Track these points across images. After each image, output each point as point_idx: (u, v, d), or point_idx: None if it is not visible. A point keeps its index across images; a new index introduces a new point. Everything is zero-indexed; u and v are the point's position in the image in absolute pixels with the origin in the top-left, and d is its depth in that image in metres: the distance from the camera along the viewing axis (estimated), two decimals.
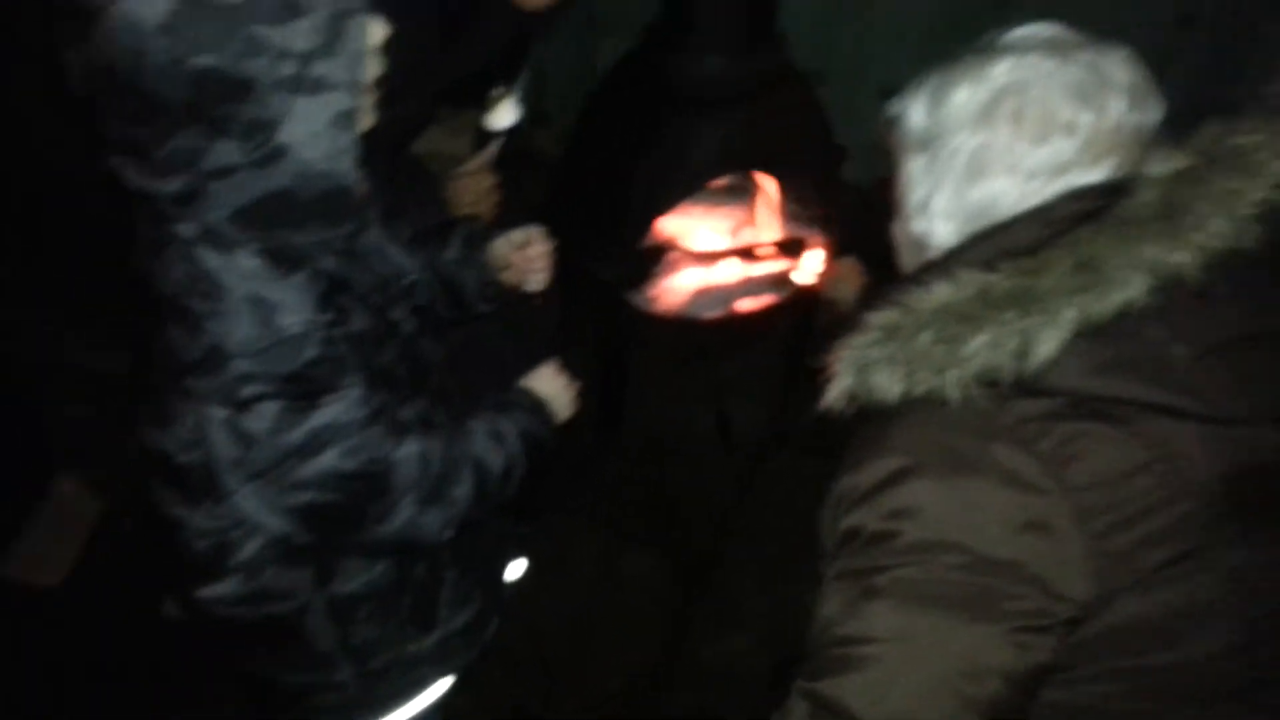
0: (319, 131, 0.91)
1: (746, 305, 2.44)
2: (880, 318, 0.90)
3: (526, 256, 1.41)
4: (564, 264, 2.07)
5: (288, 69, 0.88)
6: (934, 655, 0.83)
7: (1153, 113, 0.97)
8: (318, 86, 0.90)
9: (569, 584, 2.25)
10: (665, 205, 2.30)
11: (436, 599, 1.34)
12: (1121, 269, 0.84)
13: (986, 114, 0.95)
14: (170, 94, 0.86)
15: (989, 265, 0.89)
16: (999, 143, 0.94)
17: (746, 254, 2.47)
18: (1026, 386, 0.85)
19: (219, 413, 0.98)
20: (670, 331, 2.42)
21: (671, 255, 2.45)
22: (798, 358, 2.49)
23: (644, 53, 2.27)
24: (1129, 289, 0.84)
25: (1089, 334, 0.84)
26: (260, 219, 0.94)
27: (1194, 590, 0.85)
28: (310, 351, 0.98)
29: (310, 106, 0.90)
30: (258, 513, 1.05)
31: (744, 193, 2.54)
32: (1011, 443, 0.85)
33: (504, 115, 1.53)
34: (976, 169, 0.96)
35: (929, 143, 1.00)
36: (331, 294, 1.02)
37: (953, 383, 0.85)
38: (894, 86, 1.07)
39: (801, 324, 2.46)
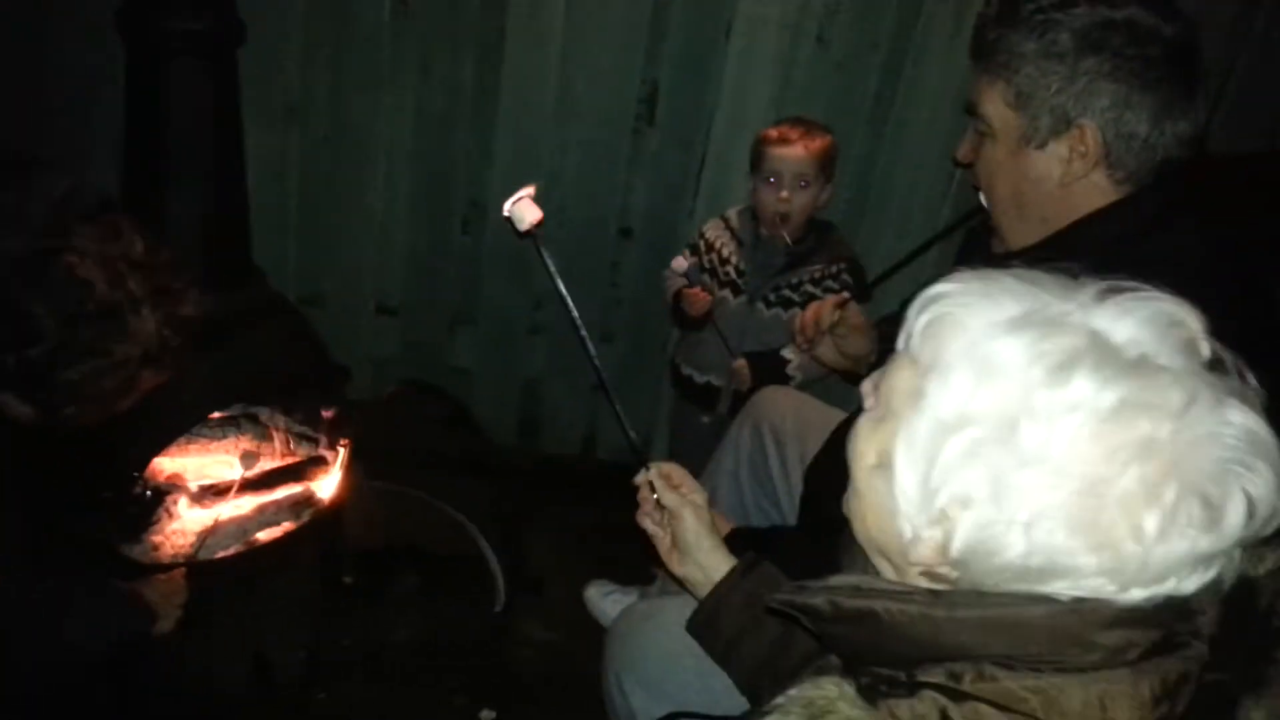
0: None
1: (265, 535, 2.33)
2: None
3: None
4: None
5: None
6: None
7: None
8: None
9: None
10: (158, 446, 2.18)
11: None
12: None
13: None
14: None
15: None
16: None
17: (258, 483, 2.37)
18: None
19: None
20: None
21: (172, 497, 2.29)
22: (332, 578, 2.43)
23: None
24: None
25: None
26: None
27: None
28: None
29: None
30: None
31: (248, 423, 2.48)
32: None
33: None
34: None
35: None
36: None
37: None
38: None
39: (330, 543, 2.41)
